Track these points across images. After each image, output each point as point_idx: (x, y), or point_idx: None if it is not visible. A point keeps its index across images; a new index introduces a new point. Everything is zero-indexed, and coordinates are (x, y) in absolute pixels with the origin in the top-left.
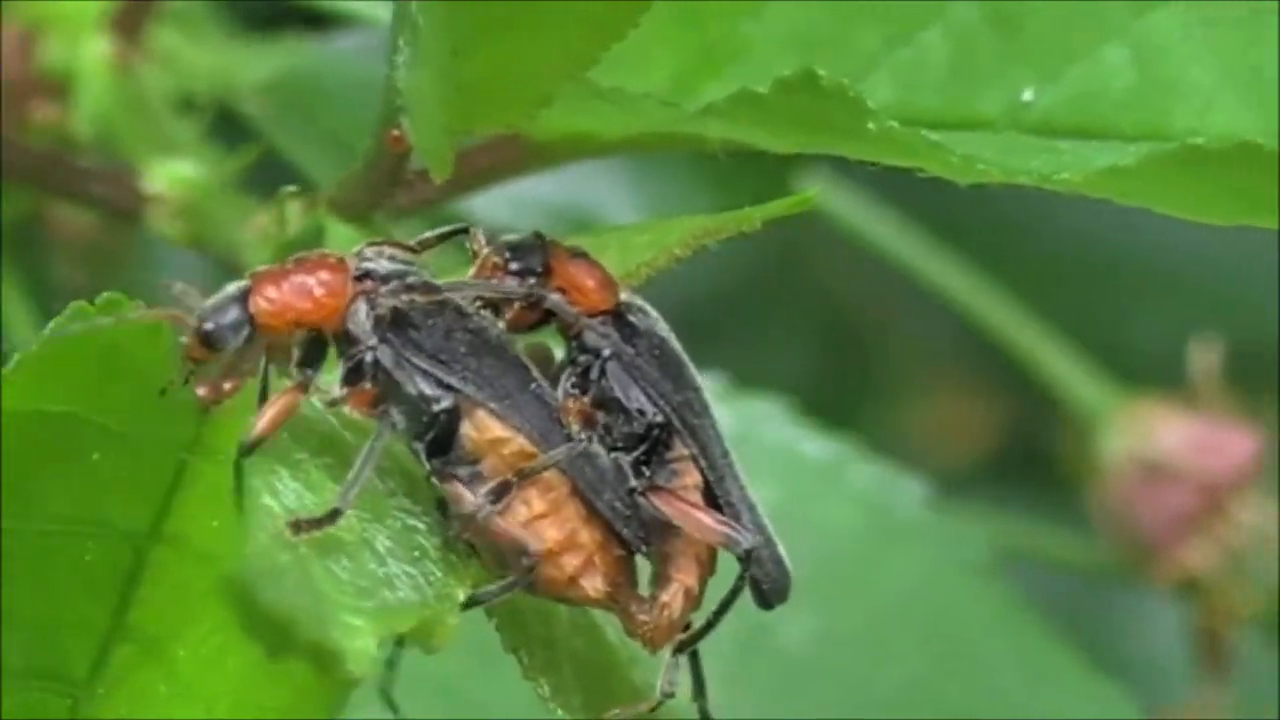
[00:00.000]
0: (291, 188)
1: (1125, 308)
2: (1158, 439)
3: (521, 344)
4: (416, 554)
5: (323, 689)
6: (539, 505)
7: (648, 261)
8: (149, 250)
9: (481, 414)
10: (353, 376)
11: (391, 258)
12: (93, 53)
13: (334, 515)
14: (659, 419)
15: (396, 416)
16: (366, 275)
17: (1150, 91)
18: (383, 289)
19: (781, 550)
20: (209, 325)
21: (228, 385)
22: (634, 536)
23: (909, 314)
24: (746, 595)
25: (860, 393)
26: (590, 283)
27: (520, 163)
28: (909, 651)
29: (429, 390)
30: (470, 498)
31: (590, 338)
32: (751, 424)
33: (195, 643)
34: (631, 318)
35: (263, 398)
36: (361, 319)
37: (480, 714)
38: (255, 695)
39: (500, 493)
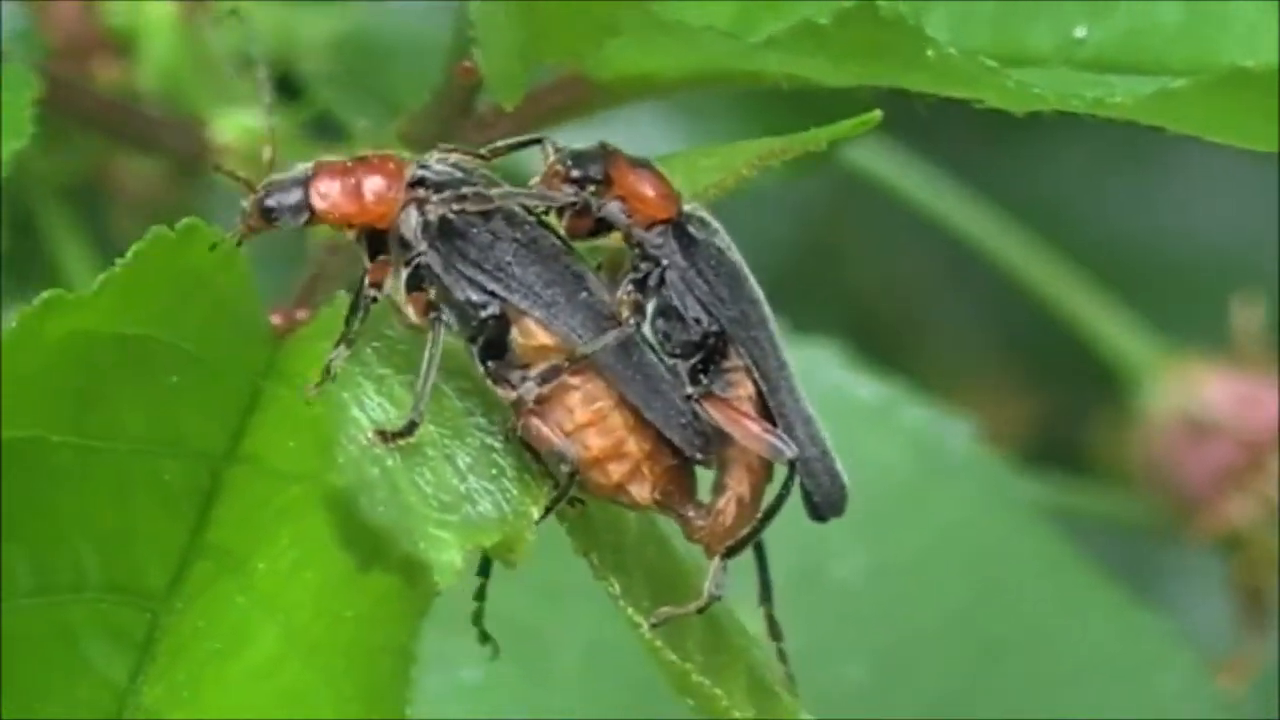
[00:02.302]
0: (364, 122)
1: (1170, 282)
2: (1200, 395)
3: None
4: (494, 472)
5: (402, 597)
6: (581, 415)
7: (715, 183)
8: (210, 206)
9: (528, 321)
10: (411, 281)
11: (455, 165)
12: (157, 10)
13: (411, 427)
14: (714, 328)
15: (450, 320)
16: (421, 182)
17: (1198, 26)
18: (434, 197)
19: (838, 464)
20: (271, 200)
21: (300, 313)
22: (688, 444)
23: (943, 311)
24: (804, 530)
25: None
26: (650, 192)
27: (584, 103)
28: (955, 585)
29: (475, 296)
30: (518, 388)
31: (645, 246)
32: (806, 367)
33: (273, 557)
34: (691, 229)
35: (355, 308)
36: (412, 225)
37: (540, 647)
38: (334, 604)
39: (548, 377)
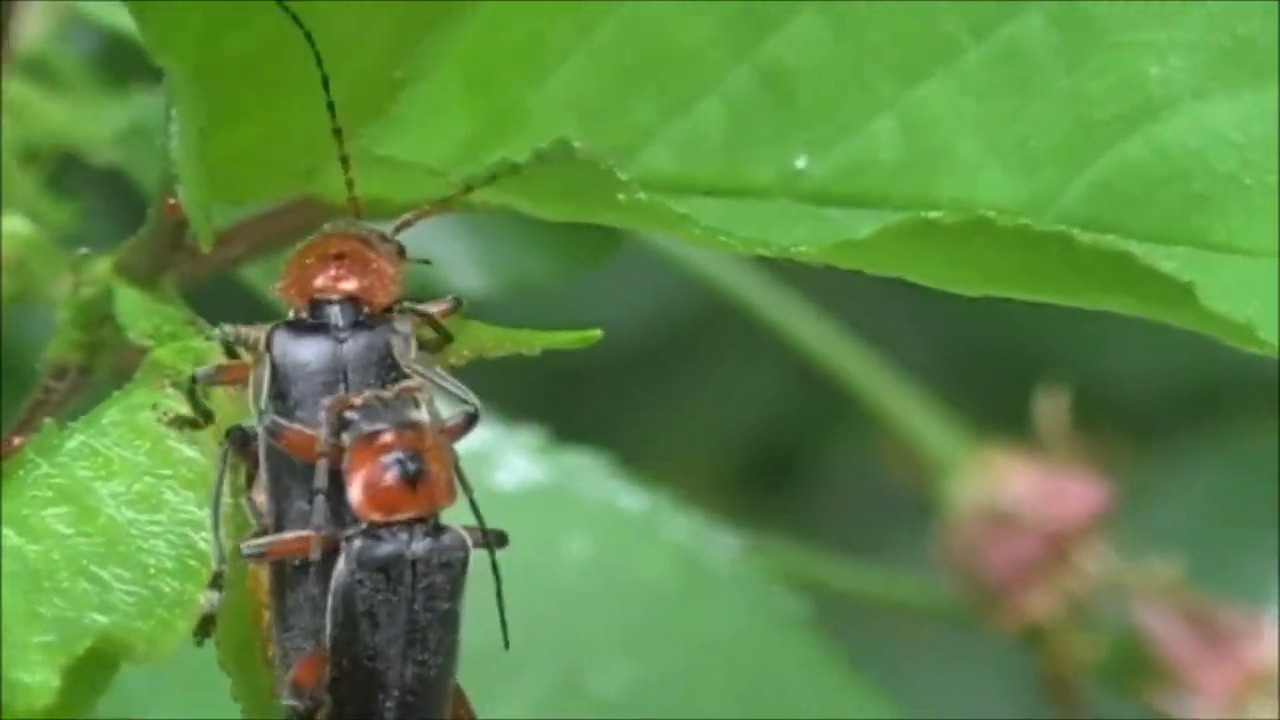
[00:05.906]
0: (84, 250)
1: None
2: (1004, 487)
3: None
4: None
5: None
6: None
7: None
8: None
9: (262, 476)
10: None
11: (344, 297)
12: None
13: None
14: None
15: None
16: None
17: (918, 162)
18: (294, 308)
19: None
20: None
21: (16, 440)
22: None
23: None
24: (565, 641)
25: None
26: (361, 486)
27: (319, 224)
28: (721, 700)
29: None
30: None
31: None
32: (568, 476)
33: None
34: (359, 539)
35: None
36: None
37: None
38: None
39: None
